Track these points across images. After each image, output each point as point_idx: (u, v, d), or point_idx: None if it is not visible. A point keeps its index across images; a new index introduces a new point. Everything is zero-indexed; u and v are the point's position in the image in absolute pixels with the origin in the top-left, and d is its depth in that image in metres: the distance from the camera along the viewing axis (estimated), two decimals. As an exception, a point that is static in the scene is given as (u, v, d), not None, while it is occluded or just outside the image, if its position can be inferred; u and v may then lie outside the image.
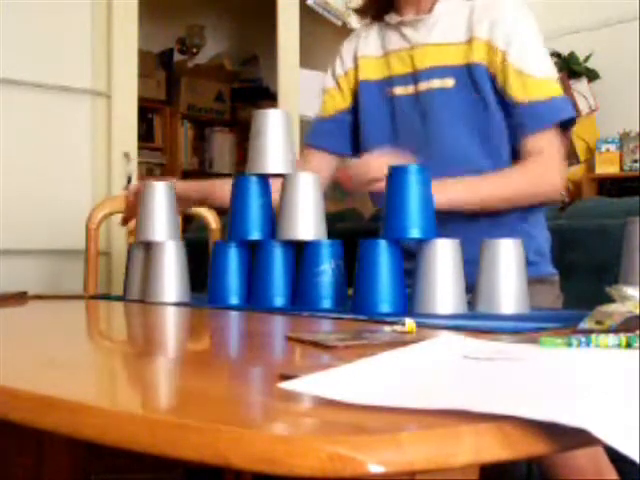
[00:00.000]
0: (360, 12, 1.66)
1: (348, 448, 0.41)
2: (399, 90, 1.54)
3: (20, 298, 1.57)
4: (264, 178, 1.32)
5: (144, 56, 4.42)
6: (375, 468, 0.41)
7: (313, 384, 0.52)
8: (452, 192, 1.36)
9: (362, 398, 0.48)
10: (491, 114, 1.46)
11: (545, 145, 1.44)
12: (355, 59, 1.62)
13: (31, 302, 1.54)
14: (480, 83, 1.46)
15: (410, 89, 1.52)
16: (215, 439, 0.43)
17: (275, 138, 1.30)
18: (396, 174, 1.16)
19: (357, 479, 0.42)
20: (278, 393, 0.52)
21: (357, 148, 1.63)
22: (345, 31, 3.87)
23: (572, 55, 4.36)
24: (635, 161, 4.09)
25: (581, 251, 1.85)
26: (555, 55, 4.39)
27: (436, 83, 1.48)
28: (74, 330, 1.14)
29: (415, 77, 1.51)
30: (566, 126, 1.50)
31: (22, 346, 0.88)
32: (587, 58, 4.33)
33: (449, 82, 1.47)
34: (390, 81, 1.55)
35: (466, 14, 1.47)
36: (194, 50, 5.69)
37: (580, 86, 4.34)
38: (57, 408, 0.52)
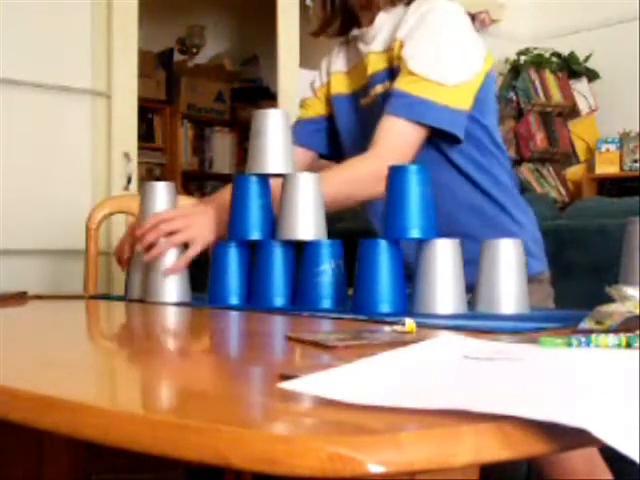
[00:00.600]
0: (314, 34, 1.68)
1: (348, 448, 0.41)
2: (363, 101, 1.60)
3: (20, 298, 1.57)
4: (264, 178, 1.32)
5: (144, 56, 4.42)
6: (375, 468, 0.41)
7: (313, 384, 0.52)
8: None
9: (362, 398, 0.48)
10: None
11: (390, 130, 1.39)
12: (328, 74, 1.69)
13: (31, 302, 1.54)
14: None
15: (369, 99, 1.57)
16: (215, 439, 0.43)
17: (275, 138, 1.30)
18: (396, 174, 1.16)
19: (357, 479, 0.42)
20: (278, 393, 0.52)
21: (336, 153, 1.68)
22: (345, 31, 3.87)
23: (572, 55, 4.36)
24: (635, 161, 4.09)
25: (581, 251, 1.85)
26: (555, 55, 4.40)
27: (379, 89, 1.53)
28: (74, 330, 1.14)
29: (368, 86, 1.56)
30: (448, 138, 1.43)
31: (22, 346, 0.88)
32: (587, 58, 4.33)
33: (385, 87, 1.51)
34: (357, 94, 1.62)
35: (397, 20, 1.49)
36: (194, 50, 5.69)
37: (580, 86, 4.35)
38: (57, 408, 0.52)
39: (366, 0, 1.52)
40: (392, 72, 1.49)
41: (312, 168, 1.65)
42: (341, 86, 1.65)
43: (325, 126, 1.69)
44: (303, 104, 1.74)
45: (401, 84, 1.41)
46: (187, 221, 1.35)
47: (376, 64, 1.53)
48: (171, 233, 1.33)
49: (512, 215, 1.52)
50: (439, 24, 1.44)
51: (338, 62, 1.67)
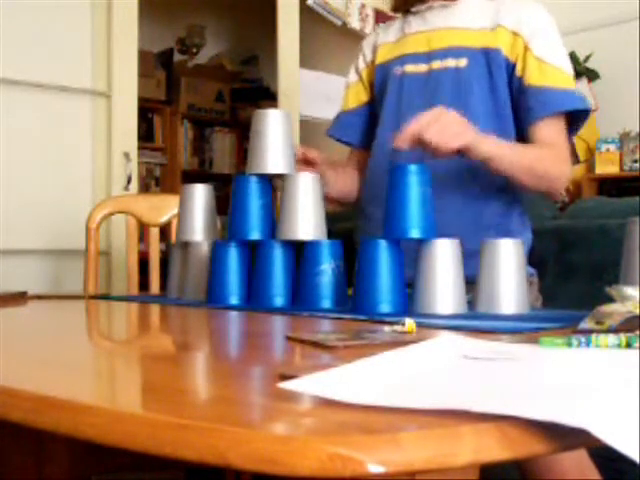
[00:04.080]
0: (396, 8, 1.68)
1: (348, 448, 0.41)
2: (410, 68, 1.58)
3: (20, 298, 1.57)
4: (264, 178, 1.32)
5: (144, 56, 4.42)
6: (375, 468, 0.41)
7: (313, 384, 0.52)
8: (499, 144, 1.39)
9: (362, 398, 0.48)
10: (499, 100, 1.50)
11: (556, 136, 1.48)
12: (374, 49, 1.68)
13: (31, 302, 1.54)
14: (493, 67, 1.50)
15: (422, 67, 1.56)
16: (215, 439, 0.43)
17: (275, 138, 1.30)
18: (396, 174, 1.16)
19: (357, 479, 0.42)
20: (278, 393, 0.52)
21: (368, 141, 1.68)
22: (345, 31, 3.87)
23: (572, 55, 4.36)
24: (635, 161, 4.09)
25: (581, 251, 1.85)
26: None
27: (450, 62, 1.53)
28: (74, 330, 1.14)
29: (429, 56, 1.55)
30: (578, 121, 1.53)
31: (22, 346, 0.88)
32: (587, 58, 4.33)
33: (462, 62, 1.52)
34: (402, 60, 1.59)
35: (492, 7, 1.54)
36: (194, 50, 5.69)
37: (580, 86, 4.34)
38: (57, 408, 0.52)
39: None
40: (485, 53, 1.50)
41: (353, 161, 1.67)
42: (386, 55, 1.64)
43: (367, 113, 1.69)
44: (347, 89, 1.73)
45: (544, 80, 1.47)
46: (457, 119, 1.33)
47: (453, 39, 1.53)
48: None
49: (511, 216, 1.53)
50: (551, 24, 1.53)
51: (388, 35, 1.67)
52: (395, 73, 1.59)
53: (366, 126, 1.69)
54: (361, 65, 1.70)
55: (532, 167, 1.43)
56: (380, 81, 1.63)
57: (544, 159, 1.45)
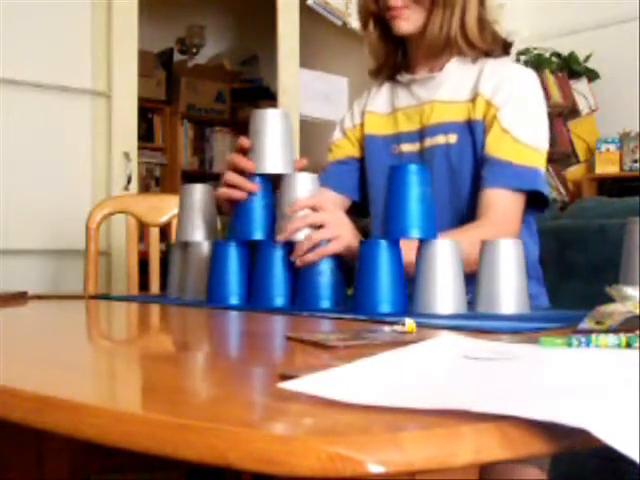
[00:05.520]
0: (374, 74, 1.65)
1: (348, 448, 0.41)
2: (406, 147, 1.55)
3: (20, 298, 1.57)
4: (265, 178, 1.32)
5: (144, 56, 4.42)
6: (375, 468, 0.41)
7: (313, 384, 0.52)
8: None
9: (362, 398, 0.48)
10: None
11: (500, 203, 1.39)
12: (362, 114, 1.65)
13: (31, 302, 1.54)
14: (479, 141, 1.46)
15: (416, 146, 1.53)
16: (215, 439, 0.43)
17: (274, 138, 1.30)
18: (396, 174, 1.16)
19: (357, 479, 0.42)
20: (278, 393, 0.52)
21: (365, 200, 1.64)
22: (345, 31, 3.88)
23: (572, 55, 4.36)
24: (635, 161, 4.09)
25: (581, 251, 1.85)
26: (555, 55, 4.40)
27: (440, 139, 1.49)
28: (74, 330, 1.14)
29: (422, 134, 1.52)
30: (538, 203, 1.45)
31: (22, 346, 0.88)
32: (587, 58, 4.33)
33: (452, 138, 1.48)
34: (397, 138, 1.57)
35: (474, 74, 1.49)
36: (194, 50, 5.69)
37: (580, 86, 4.35)
38: (57, 408, 0.52)
39: (443, 46, 1.49)
40: (469, 127, 1.46)
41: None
42: (377, 127, 1.61)
43: (357, 167, 1.65)
44: (332, 146, 1.68)
45: (504, 153, 1.41)
46: (337, 217, 1.27)
47: (441, 114, 1.50)
48: (318, 226, 1.23)
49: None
50: (530, 92, 1.46)
51: (375, 103, 1.63)
52: (393, 152, 1.56)
53: (352, 176, 1.64)
54: (348, 125, 1.66)
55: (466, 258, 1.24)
56: (373, 153, 1.59)
57: (473, 246, 1.23)
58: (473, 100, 1.47)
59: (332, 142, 1.69)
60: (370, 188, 1.61)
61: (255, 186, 1.30)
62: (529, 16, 4.52)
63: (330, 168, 1.66)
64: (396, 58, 1.59)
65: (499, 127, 1.42)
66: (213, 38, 5.79)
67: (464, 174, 1.47)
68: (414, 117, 1.54)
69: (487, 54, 1.51)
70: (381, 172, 1.51)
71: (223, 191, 1.32)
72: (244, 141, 1.32)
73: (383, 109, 1.62)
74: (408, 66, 1.58)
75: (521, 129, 1.42)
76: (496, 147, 1.42)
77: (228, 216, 1.37)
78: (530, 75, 1.49)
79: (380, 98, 1.63)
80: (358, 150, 1.65)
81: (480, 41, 1.48)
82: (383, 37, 1.56)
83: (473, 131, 1.46)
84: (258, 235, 1.29)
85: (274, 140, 1.30)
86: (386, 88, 1.63)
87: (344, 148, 1.66)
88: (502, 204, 1.40)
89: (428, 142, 1.51)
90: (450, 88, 1.51)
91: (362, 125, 1.64)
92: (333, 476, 0.41)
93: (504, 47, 1.53)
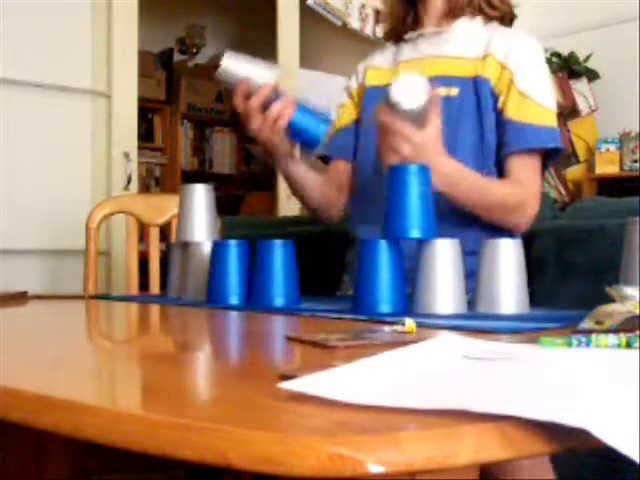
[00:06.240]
0: (388, 35, 1.70)
1: (348, 448, 0.41)
2: None
3: (20, 298, 1.57)
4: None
5: (144, 56, 4.41)
6: (375, 468, 0.41)
7: (313, 384, 0.52)
8: (457, 167, 1.38)
9: (362, 398, 0.48)
10: (486, 132, 1.51)
11: (527, 173, 1.48)
12: (365, 71, 1.68)
13: (31, 302, 1.54)
14: (482, 98, 1.50)
15: None
16: (215, 439, 0.43)
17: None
18: (396, 174, 1.16)
19: (357, 479, 0.42)
20: (278, 393, 0.52)
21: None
22: (345, 31, 3.87)
23: (572, 55, 4.36)
24: (635, 161, 4.09)
25: (581, 251, 1.85)
26: (555, 55, 4.39)
27: (441, 91, 1.51)
28: (74, 330, 1.14)
29: None
30: (554, 159, 1.54)
31: (22, 346, 0.88)
32: (587, 58, 4.33)
33: (454, 91, 1.52)
34: None
35: (484, 36, 1.54)
36: (194, 50, 5.69)
37: (580, 86, 4.34)
38: (57, 408, 0.52)
39: (468, 3, 1.55)
40: (474, 83, 1.51)
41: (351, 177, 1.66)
42: (378, 79, 1.64)
43: (356, 129, 1.68)
44: (339, 109, 1.72)
45: (524, 115, 1.48)
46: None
47: (444, 68, 1.54)
48: None
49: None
50: (542, 57, 1.55)
51: (378, 59, 1.68)
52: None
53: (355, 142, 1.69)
54: (353, 85, 1.71)
55: (492, 206, 1.44)
56: (369, 102, 1.61)
57: (507, 199, 1.45)
58: (484, 59, 1.52)
59: (340, 105, 1.73)
60: (361, 137, 1.64)
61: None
62: (529, 16, 4.51)
63: (338, 138, 1.69)
64: (409, 19, 1.64)
65: (517, 91, 1.49)
66: (213, 38, 5.78)
67: (463, 127, 1.50)
68: (414, 68, 1.56)
69: (500, 19, 1.58)
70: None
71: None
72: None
73: (385, 64, 1.66)
74: (417, 26, 1.62)
75: (538, 92, 1.49)
76: (517, 111, 1.48)
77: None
78: (538, 42, 1.56)
79: (385, 54, 1.68)
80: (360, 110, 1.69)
81: (500, 2, 1.57)
82: None
83: (478, 88, 1.51)
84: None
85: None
86: (391, 46, 1.68)
87: (349, 111, 1.69)
88: (526, 165, 1.48)
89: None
90: (457, 45, 1.55)
91: (364, 80, 1.68)
92: (333, 476, 0.41)
93: (510, 18, 1.61)
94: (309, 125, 1.40)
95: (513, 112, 1.48)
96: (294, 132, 1.41)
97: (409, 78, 1.24)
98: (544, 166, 1.54)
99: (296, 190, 1.64)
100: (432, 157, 1.27)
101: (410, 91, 1.22)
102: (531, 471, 1.20)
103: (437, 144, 1.30)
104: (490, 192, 1.44)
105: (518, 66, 1.50)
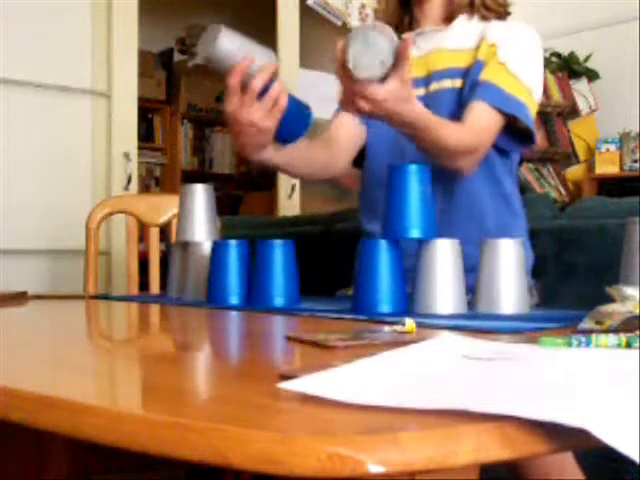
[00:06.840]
0: None
1: (348, 448, 0.41)
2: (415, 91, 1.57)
3: (20, 298, 1.57)
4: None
5: (144, 56, 4.42)
6: (375, 468, 0.41)
7: (313, 384, 0.52)
8: (422, 111, 1.33)
9: (362, 398, 0.48)
10: None
11: (483, 123, 1.45)
12: None
13: (31, 302, 1.54)
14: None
15: (421, 91, 1.56)
16: (215, 439, 0.43)
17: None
18: (396, 174, 1.16)
19: (357, 479, 0.42)
20: (278, 393, 0.52)
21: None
22: (345, 31, 3.87)
23: (572, 55, 4.36)
24: (635, 161, 4.09)
25: (581, 251, 1.85)
26: (555, 55, 4.39)
27: (447, 83, 1.54)
28: (74, 330, 1.14)
29: (428, 80, 1.56)
30: (526, 144, 1.53)
31: (22, 346, 0.88)
32: (587, 58, 4.33)
33: (458, 83, 1.53)
34: None
35: (480, 26, 1.56)
36: (194, 50, 5.69)
37: (580, 86, 4.35)
38: (57, 408, 0.52)
39: (456, 8, 1.57)
40: (468, 72, 1.52)
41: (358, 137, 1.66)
42: None
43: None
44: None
45: (494, 78, 1.47)
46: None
47: (448, 60, 1.55)
48: None
49: (510, 233, 1.52)
50: (533, 41, 1.54)
51: None
52: None
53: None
54: None
55: (444, 149, 1.39)
56: None
57: (458, 144, 1.41)
58: (478, 47, 1.53)
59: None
60: (369, 135, 1.63)
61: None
62: (529, 16, 4.52)
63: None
64: (405, 20, 1.64)
65: (495, 60, 1.49)
66: (213, 38, 5.78)
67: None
68: (420, 65, 1.57)
69: (496, 16, 1.58)
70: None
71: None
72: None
73: None
74: (413, 28, 1.63)
75: (516, 65, 1.48)
76: (490, 74, 1.48)
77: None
78: (533, 31, 1.56)
79: None
80: None
81: (496, 5, 1.58)
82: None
83: (474, 72, 1.51)
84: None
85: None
86: None
87: None
88: (482, 116, 1.45)
89: (434, 86, 1.55)
90: (456, 39, 1.56)
91: None
92: (333, 476, 0.41)
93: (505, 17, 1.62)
94: (298, 112, 1.37)
95: (486, 75, 1.48)
96: (283, 118, 1.35)
97: (369, 43, 1.19)
98: (514, 150, 1.53)
99: (284, 171, 1.61)
100: (396, 107, 1.25)
101: (371, 57, 1.17)
102: (560, 472, 1.21)
103: (400, 94, 1.25)
104: (445, 137, 1.39)
105: (504, 43, 1.51)
